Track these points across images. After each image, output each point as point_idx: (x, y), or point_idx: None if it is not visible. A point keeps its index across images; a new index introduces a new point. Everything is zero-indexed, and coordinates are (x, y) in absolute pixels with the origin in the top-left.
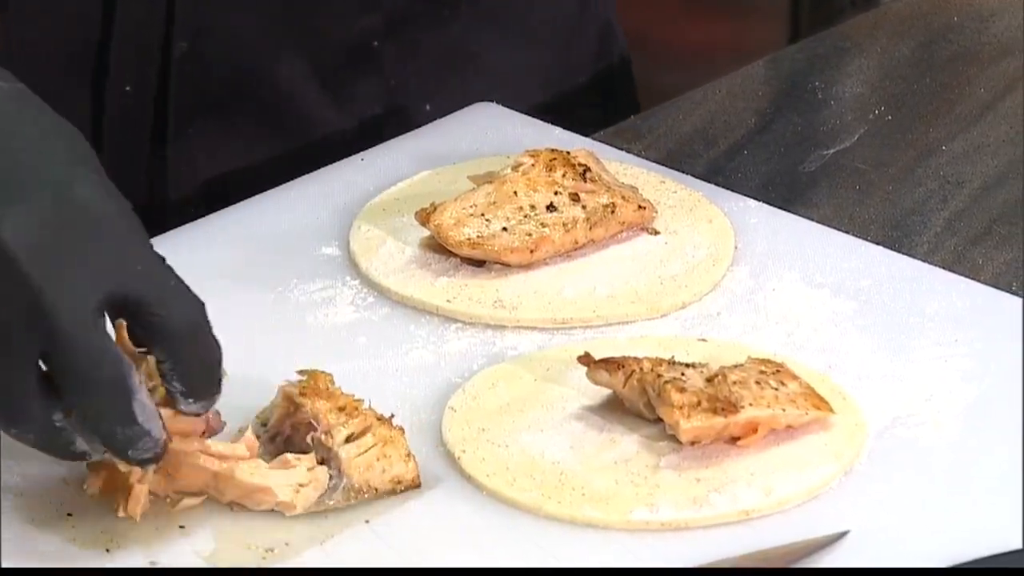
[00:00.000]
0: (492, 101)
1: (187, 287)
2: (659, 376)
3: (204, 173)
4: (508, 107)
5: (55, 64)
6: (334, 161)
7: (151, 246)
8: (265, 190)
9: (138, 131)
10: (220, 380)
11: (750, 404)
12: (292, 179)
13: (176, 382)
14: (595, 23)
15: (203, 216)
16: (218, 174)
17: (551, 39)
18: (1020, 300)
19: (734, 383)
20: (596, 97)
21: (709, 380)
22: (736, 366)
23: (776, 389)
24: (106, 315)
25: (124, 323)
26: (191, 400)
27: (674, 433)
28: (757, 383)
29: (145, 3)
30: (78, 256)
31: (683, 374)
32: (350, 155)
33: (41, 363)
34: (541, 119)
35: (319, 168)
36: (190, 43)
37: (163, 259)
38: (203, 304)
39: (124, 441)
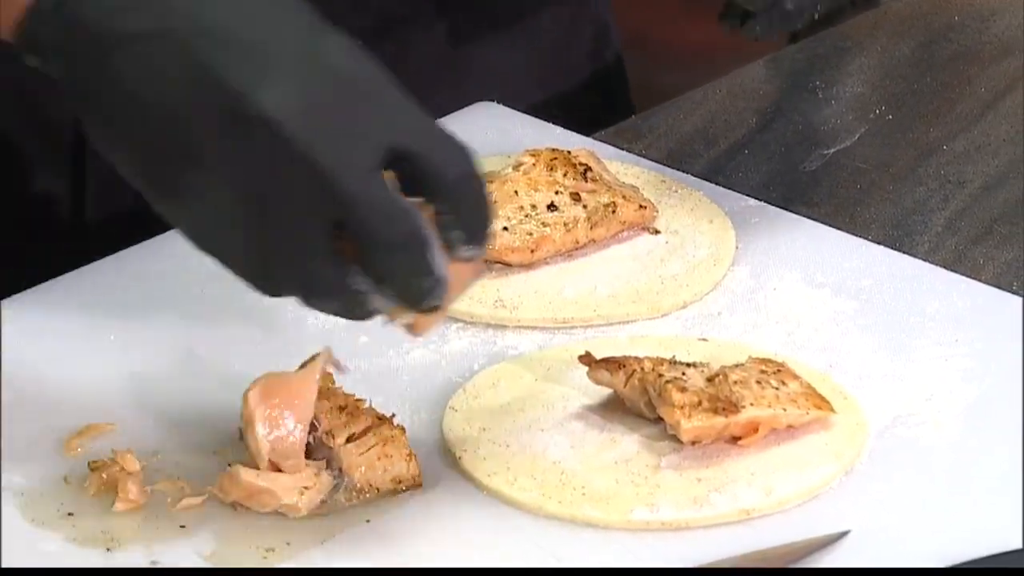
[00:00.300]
0: (485, 101)
1: (454, 136)
2: (660, 376)
3: None
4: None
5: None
6: None
7: (412, 99)
8: None
9: None
10: (491, 223)
11: (751, 404)
12: None
13: (456, 230)
14: (592, 23)
15: None
16: None
17: (545, 39)
18: (1021, 300)
19: (735, 383)
20: (592, 97)
21: (710, 380)
22: (737, 365)
23: (777, 389)
24: None
25: (393, 175)
26: (470, 246)
27: (675, 433)
28: (758, 383)
29: None
30: (348, 117)
31: (684, 374)
32: None
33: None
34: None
35: None
36: None
37: (427, 111)
38: (473, 152)
39: (422, 292)
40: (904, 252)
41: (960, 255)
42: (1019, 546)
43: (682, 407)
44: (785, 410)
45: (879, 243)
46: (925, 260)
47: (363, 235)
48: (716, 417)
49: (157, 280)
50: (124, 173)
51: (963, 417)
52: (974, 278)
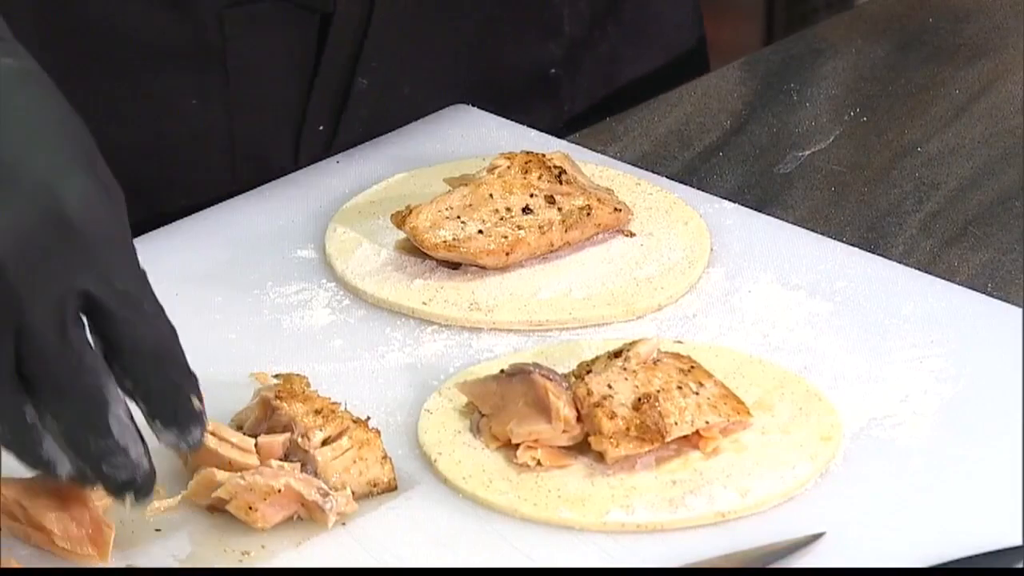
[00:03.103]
0: (461, 104)
1: (162, 309)
2: (589, 393)
3: None
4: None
5: None
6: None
7: (134, 255)
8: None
9: None
10: (189, 411)
11: (675, 423)
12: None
13: (140, 401)
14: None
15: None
16: None
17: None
18: (995, 301)
19: (659, 394)
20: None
21: (636, 408)
22: (656, 362)
23: (697, 393)
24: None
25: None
26: (160, 425)
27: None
28: (679, 388)
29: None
30: (55, 261)
31: (611, 387)
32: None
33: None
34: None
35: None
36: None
37: (143, 274)
38: (175, 331)
39: (96, 454)
40: (879, 254)
41: (935, 257)
42: (995, 547)
43: (611, 436)
44: (707, 422)
45: (854, 245)
46: (900, 262)
47: (38, 377)
48: (644, 445)
49: None
50: None
51: (938, 418)
52: (949, 280)
